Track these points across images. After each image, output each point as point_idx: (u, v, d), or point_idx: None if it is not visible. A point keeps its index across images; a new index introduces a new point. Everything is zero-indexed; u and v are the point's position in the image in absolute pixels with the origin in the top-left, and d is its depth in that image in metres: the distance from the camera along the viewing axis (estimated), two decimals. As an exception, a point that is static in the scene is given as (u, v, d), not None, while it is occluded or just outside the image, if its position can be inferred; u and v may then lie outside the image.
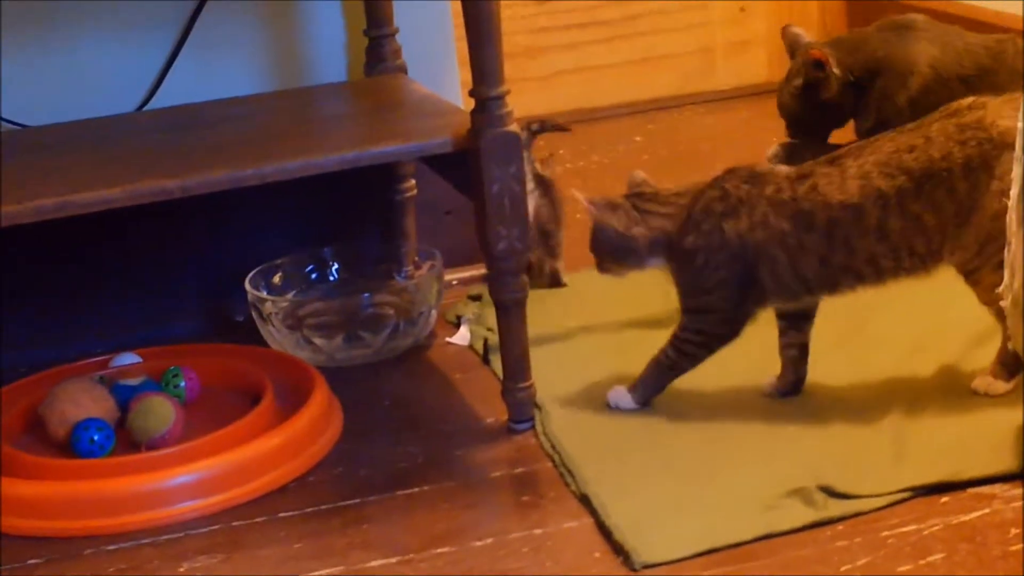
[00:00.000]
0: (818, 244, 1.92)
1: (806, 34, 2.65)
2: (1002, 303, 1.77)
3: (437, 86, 2.37)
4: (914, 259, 1.92)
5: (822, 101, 2.56)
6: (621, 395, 2.00)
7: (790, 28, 2.66)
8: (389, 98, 2.26)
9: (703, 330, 1.98)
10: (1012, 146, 1.79)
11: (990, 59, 2.47)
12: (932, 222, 1.89)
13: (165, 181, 1.89)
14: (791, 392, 2.01)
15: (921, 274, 1.94)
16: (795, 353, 2.01)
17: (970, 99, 1.93)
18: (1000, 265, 1.78)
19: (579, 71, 3.51)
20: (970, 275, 1.91)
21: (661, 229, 1.99)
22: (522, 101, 3.25)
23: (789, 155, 2.56)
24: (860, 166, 1.92)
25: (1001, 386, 1.93)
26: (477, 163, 1.90)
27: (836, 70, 2.54)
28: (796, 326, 2.01)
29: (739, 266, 1.95)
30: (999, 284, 1.79)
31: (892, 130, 1.95)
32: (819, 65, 2.54)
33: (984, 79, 2.46)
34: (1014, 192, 1.68)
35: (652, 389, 2.00)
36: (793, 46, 2.63)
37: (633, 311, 2.19)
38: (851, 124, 2.63)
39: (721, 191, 1.97)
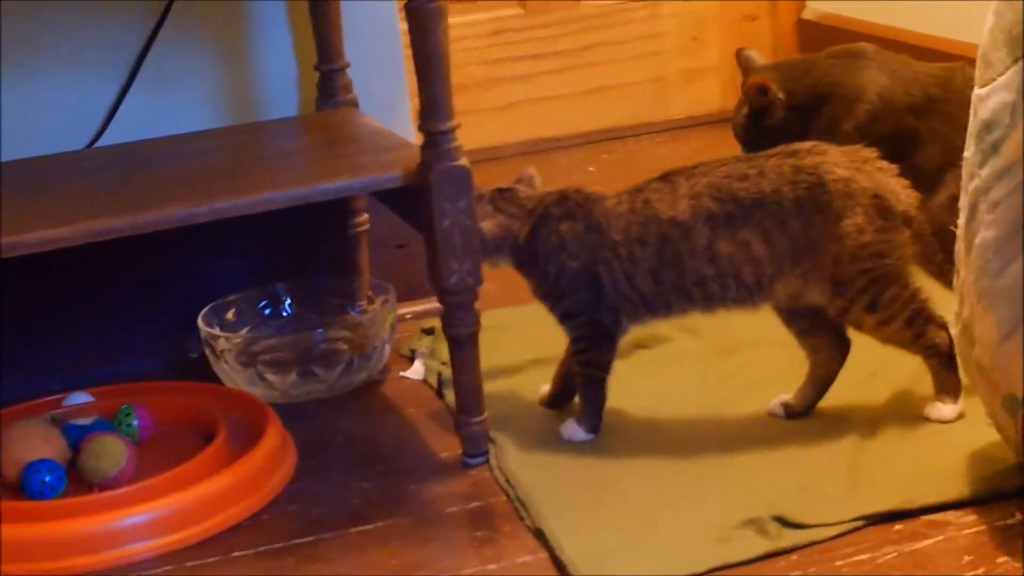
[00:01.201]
0: (650, 258, 1.96)
1: (760, 57, 2.66)
2: (952, 331, 1.78)
3: (389, 120, 2.37)
4: (741, 289, 1.95)
5: (768, 126, 2.56)
6: (572, 428, 2.01)
7: (744, 51, 2.67)
8: (340, 132, 2.26)
9: (582, 335, 2.01)
10: (851, 195, 1.90)
11: (938, 87, 2.48)
12: (762, 253, 1.93)
13: (115, 219, 1.88)
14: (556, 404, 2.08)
15: (749, 306, 1.98)
16: (566, 370, 2.07)
17: (811, 143, 1.99)
18: (871, 306, 1.91)
19: (534, 102, 3.51)
20: (843, 317, 1.95)
21: (507, 229, 2.02)
22: (477, 133, 3.29)
23: None
24: (692, 186, 1.96)
25: (950, 410, 1.94)
26: (428, 198, 1.89)
27: (780, 95, 2.55)
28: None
29: (580, 268, 1.98)
30: (881, 322, 1.91)
31: (729, 157, 2.00)
32: (763, 91, 2.55)
33: (932, 107, 2.47)
34: (961, 222, 1.69)
35: (594, 411, 2.01)
36: (747, 69, 2.63)
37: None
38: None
39: (561, 196, 2.02)
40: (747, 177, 1.95)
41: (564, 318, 2.02)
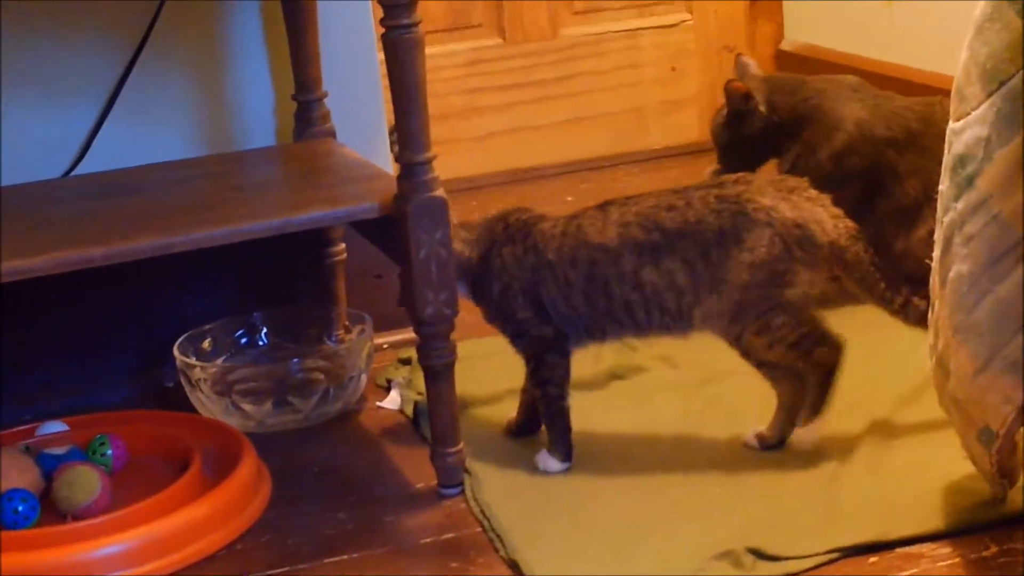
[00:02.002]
0: (581, 281, 1.99)
1: (757, 66, 2.67)
2: (927, 364, 1.79)
3: (367, 150, 2.37)
4: (665, 317, 1.98)
5: (745, 133, 2.57)
6: (546, 459, 2.01)
7: (743, 57, 2.68)
8: (317, 163, 2.26)
9: (532, 352, 2.03)
10: (766, 223, 1.92)
11: (918, 122, 2.49)
12: (685, 282, 1.95)
13: (89, 249, 1.87)
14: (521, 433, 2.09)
15: (675, 333, 2.01)
16: (529, 398, 2.08)
17: (737, 175, 2.01)
18: (760, 331, 1.94)
19: (512, 131, 3.52)
20: (737, 343, 1.97)
21: (460, 254, 2.03)
22: (456, 162, 3.30)
23: None
24: (622, 214, 1.99)
25: (810, 439, 1.99)
26: (404, 228, 1.89)
27: (761, 108, 2.56)
28: None
29: (522, 288, 2.01)
30: (766, 345, 1.94)
31: (665, 189, 2.03)
32: (746, 97, 2.56)
33: (912, 141, 2.48)
34: (936, 255, 1.70)
35: (560, 437, 2.02)
36: (742, 75, 2.64)
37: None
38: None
39: (503, 222, 2.06)
40: (674, 207, 1.97)
41: (514, 338, 2.04)
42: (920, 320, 1.92)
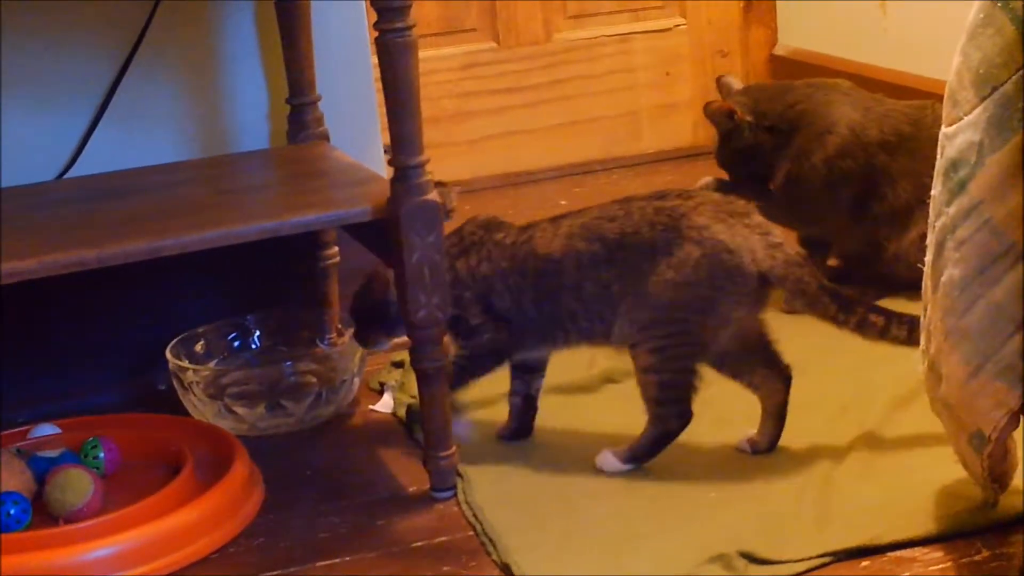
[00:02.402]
0: (531, 290, 2.02)
1: (738, 83, 2.67)
2: (919, 368, 1.79)
3: (360, 153, 2.37)
4: (603, 325, 1.99)
5: (737, 148, 2.58)
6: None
7: (723, 78, 2.69)
8: (310, 166, 2.26)
9: (475, 352, 2.07)
10: (700, 243, 1.91)
11: (909, 125, 2.50)
12: (617, 292, 1.96)
13: (82, 252, 1.87)
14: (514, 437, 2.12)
15: (604, 343, 2.02)
16: (519, 401, 2.11)
17: (681, 189, 2.01)
18: (656, 350, 1.93)
19: (506, 135, 3.52)
20: (632, 348, 1.97)
21: None
22: (449, 165, 3.30)
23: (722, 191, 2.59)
24: (569, 225, 2.01)
25: (612, 463, 1.99)
26: (397, 232, 1.89)
27: (747, 117, 2.56)
28: (522, 378, 2.10)
29: (475, 298, 2.03)
30: (651, 368, 1.93)
31: (611, 201, 2.04)
32: (729, 115, 2.56)
33: (903, 145, 2.49)
34: (928, 259, 1.70)
35: (459, 383, 2.10)
36: (727, 95, 2.65)
37: (556, 377, 2.18)
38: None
39: (458, 236, 2.08)
40: (615, 218, 1.98)
41: (464, 337, 2.06)
42: (878, 336, 1.93)
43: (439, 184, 2.18)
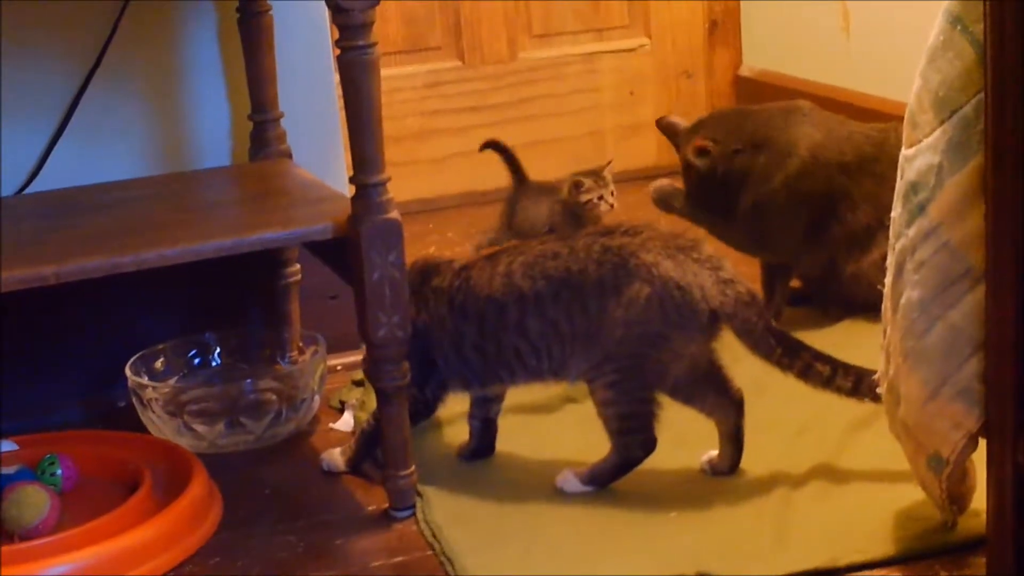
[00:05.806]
0: (472, 333, 2.00)
1: (683, 121, 2.66)
2: (879, 389, 1.79)
3: (322, 171, 2.37)
4: (552, 362, 1.98)
5: (714, 184, 2.55)
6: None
7: (664, 119, 2.67)
8: (272, 183, 2.26)
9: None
10: (646, 280, 1.90)
11: (872, 147, 2.50)
12: (567, 330, 1.96)
13: (41, 268, 1.87)
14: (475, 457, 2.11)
15: (560, 379, 2.02)
16: (477, 424, 2.11)
17: (628, 225, 1.99)
18: (611, 384, 1.93)
19: (469, 154, 3.50)
20: (589, 383, 1.97)
21: None
22: (412, 184, 3.30)
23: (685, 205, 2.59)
24: (508, 264, 2.00)
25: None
26: (357, 250, 1.89)
27: (714, 149, 2.54)
28: (479, 404, 2.10)
29: (414, 349, 1.97)
30: (609, 402, 1.93)
31: (551, 237, 2.04)
32: (702, 152, 2.54)
33: (865, 167, 2.49)
34: (888, 281, 1.70)
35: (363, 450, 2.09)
36: (673, 135, 2.63)
37: (516, 397, 2.18)
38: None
39: None
40: (558, 255, 1.97)
41: None
42: (823, 385, 1.92)
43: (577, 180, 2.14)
